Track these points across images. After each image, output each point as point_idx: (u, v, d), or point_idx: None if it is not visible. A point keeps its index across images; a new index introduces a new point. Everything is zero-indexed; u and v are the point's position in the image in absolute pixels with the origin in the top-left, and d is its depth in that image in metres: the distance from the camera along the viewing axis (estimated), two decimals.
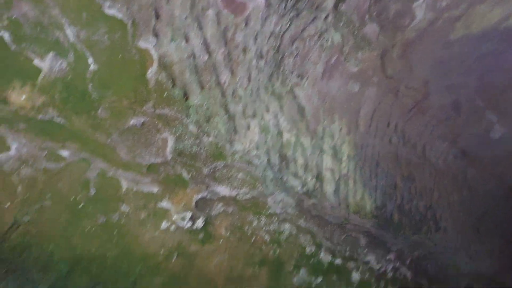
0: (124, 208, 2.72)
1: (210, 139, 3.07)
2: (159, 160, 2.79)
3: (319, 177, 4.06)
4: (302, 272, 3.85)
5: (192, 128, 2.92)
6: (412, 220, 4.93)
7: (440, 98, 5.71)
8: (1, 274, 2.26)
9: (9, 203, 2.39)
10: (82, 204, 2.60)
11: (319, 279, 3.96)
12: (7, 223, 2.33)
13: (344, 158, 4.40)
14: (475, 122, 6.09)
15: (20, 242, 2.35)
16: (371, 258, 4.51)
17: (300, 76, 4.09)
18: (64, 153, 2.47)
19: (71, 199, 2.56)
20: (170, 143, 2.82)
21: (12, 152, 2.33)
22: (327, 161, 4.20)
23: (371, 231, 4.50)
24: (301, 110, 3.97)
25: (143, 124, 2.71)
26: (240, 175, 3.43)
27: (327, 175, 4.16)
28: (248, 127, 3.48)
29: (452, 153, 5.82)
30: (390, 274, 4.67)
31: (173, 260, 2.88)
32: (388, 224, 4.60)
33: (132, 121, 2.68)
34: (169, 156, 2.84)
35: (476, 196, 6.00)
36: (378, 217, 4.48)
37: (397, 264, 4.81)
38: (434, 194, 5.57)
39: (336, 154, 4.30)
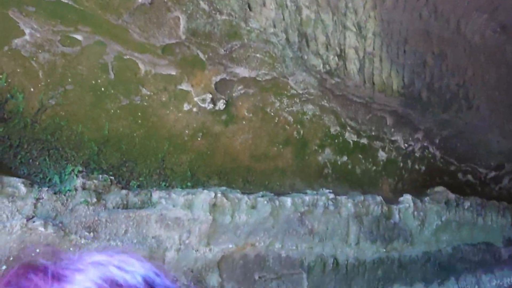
0: (145, 91, 2.76)
1: (223, 17, 2.96)
2: (173, 40, 2.74)
3: (342, 56, 3.92)
4: (327, 151, 3.92)
5: (203, 5, 2.81)
6: (442, 99, 4.78)
7: None
8: (38, 152, 2.43)
9: (33, 88, 2.48)
10: (103, 87, 2.65)
11: (345, 158, 4.03)
12: (35, 106, 2.43)
13: (369, 35, 4.17)
14: None
15: (51, 124, 2.46)
16: (398, 137, 4.50)
17: None
18: (78, 36, 2.46)
19: (92, 83, 2.61)
20: (182, 22, 2.74)
21: (27, 37, 2.35)
22: (351, 39, 4.01)
23: (398, 110, 4.41)
24: None
25: (152, 2, 2.63)
26: (259, 55, 3.34)
27: (350, 53, 4.00)
28: (264, 3, 3.30)
29: (490, 28, 5.40)
30: (418, 153, 4.68)
31: (198, 139, 2.97)
32: (416, 102, 4.48)
33: (141, 0, 2.60)
34: (183, 36, 2.77)
35: None
36: (405, 95, 4.36)
37: (425, 143, 4.78)
38: (468, 71, 5.29)
39: (360, 31, 4.09)
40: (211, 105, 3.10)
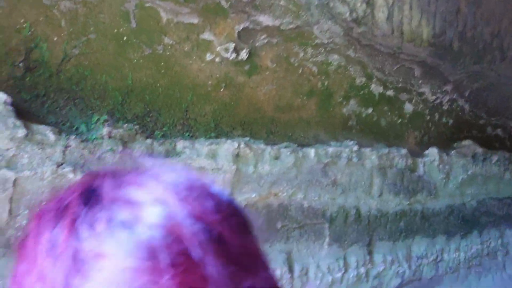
0: (168, 40, 2.72)
1: None
2: None
3: (369, 2, 3.73)
4: (352, 102, 3.83)
5: None
6: (474, 49, 4.55)
7: None
8: (64, 101, 2.47)
9: (56, 37, 2.47)
10: (125, 36, 2.62)
11: (370, 110, 3.95)
12: (59, 56, 2.43)
13: None
14: None
15: (75, 73, 2.48)
16: (425, 89, 4.35)
17: None
18: None
19: (115, 32, 2.58)
20: None
21: None
22: None
23: (427, 61, 4.23)
24: None
25: None
26: (282, 2, 3.21)
27: (379, 0, 3.82)
28: None
29: None
30: (446, 106, 4.54)
31: (222, 90, 2.94)
32: (447, 52, 4.28)
33: None
34: None
35: None
36: (435, 45, 4.17)
37: (454, 95, 4.62)
38: (504, 21, 4.99)
39: None
40: (234, 55, 3.04)
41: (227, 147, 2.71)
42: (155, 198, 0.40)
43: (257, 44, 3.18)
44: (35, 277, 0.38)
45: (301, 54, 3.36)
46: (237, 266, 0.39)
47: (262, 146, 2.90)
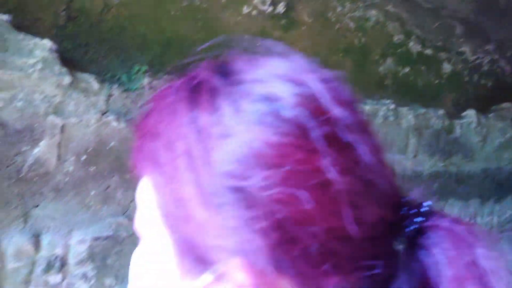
0: None
1: None
2: None
3: None
4: (389, 61, 3.72)
5: None
6: None
7: None
8: (105, 51, 2.49)
9: None
10: None
11: (407, 69, 3.83)
12: (100, 5, 2.44)
13: None
14: None
15: (115, 23, 2.48)
16: (466, 48, 4.17)
17: None
18: None
19: None
20: None
21: None
22: None
23: (470, 18, 4.04)
24: None
25: None
26: None
27: None
28: None
29: None
30: (486, 67, 4.36)
31: (257, 45, 2.93)
32: (492, 9, 4.07)
33: None
34: None
35: None
36: (480, 0, 3.97)
37: (496, 56, 4.42)
38: None
39: None
40: (271, 8, 2.97)
41: None
42: (295, 79, 0.39)
43: None
44: (165, 148, 0.37)
45: (339, 9, 3.25)
46: (378, 156, 0.40)
47: None
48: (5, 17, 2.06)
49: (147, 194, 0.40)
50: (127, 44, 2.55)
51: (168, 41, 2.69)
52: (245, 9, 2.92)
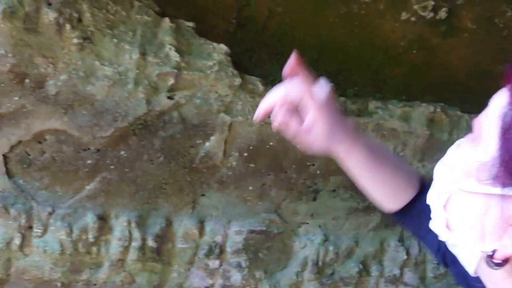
0: None
1: None
2: None
3: None
4: None
5: None
6: None
7: None
8: (267, 56, 2.66)
9: None
10: None
11: None
12: (265, 13, 2.62)
13: None
14: None
15: (277, 30, 2.63)
16: None
17: None
18: None
19: None
20: None
21: None
22: None
23: None
24: None
25: None
26: None
27: None
28: None
29: None
30: None
31: (413, 52, 2.80)
32: None
33: None
34: None
35: None
36: None
37: None
38: None
39: None
40: (431, 14, 2.83)
41: (422, 110, 2.57)
42: None
43: (458, 2, 2.90)
44: None
45: (509, 13, 2.96)
46: None
47: (458, 113, 2.67)
48: (190, 24, 2.31)
49: (500, 103, 0.45)
50: (286, 49, 2.66)
51: (324, 47, 2.74)
52: (404, 15, 2.83)
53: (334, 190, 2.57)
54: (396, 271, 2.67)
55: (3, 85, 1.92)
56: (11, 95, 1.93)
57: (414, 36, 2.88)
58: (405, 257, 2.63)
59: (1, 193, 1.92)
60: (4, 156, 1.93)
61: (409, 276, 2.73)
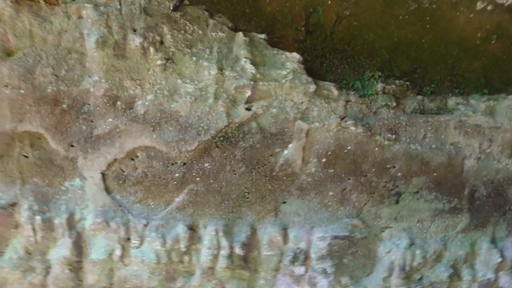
0: None
1: None
2: None
3: None
4: None
5: None
6: None
7: None
8: (338, 61, 2.65)
9: (330, 0, 2.65)
10: None
11: None
12: (332, 18, 2.62)
13: None
14: None
15: (346, 34, 2.62)
16: None
17: None
18: None
19: None
20: None
21: None
22: None
23: None
24: None
25: None
26: None
27: None
28: None
29: None
30: None
31: (492, 43, 2.65)
32: None
33: None
34: None
35: None
36: None
37: None
38: None
39: None
40: (510, 1, 2.68)
41: (508, 103, 2.43)
42: None
43: None
44: None
45: None
46: None
47: None
48: (262, 36, 2.37)
49: None
50: (356, 52, 2.65)
51: (396, 46, 2.69)
52: (479, 5, 2.71)
53: (417, 192, 2.49)
54: (490, 275, 2.52)
55: (98, 108, 2.09)
56: (106, 117, 2.09)
57: (492, 26, 2.73)
58: (499, 259, 2.48)
59: (102, 208, 2.09)
60: (102, 174, 2.10)
61: (505, 280, 2.56)
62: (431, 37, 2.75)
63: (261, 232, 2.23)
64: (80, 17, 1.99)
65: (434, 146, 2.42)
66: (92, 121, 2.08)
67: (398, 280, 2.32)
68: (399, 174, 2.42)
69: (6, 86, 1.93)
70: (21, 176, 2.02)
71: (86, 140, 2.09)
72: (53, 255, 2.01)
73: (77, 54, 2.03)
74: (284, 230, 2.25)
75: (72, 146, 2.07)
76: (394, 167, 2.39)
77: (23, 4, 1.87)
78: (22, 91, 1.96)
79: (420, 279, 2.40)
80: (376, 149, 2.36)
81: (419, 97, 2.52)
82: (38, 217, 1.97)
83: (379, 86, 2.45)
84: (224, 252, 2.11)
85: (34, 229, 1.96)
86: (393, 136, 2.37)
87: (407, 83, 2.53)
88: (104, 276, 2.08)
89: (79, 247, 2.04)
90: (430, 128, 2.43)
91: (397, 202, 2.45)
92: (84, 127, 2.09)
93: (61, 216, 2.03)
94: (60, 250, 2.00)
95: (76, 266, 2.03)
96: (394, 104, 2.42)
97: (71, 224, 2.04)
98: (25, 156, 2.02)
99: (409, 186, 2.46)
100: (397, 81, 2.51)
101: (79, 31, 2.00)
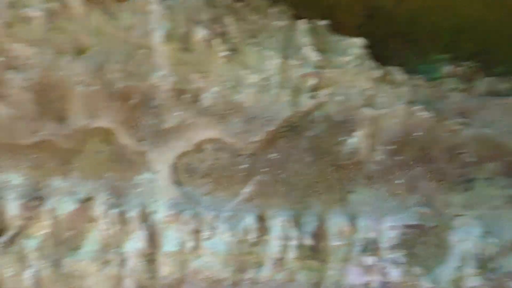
0: None
1: None
2: None
3: None
4: None
5: None
6: None
7: None
8: (400, 45, 2.58)
9: None
10: None
11: None
12: (392, 0, 2.55)
13: None
14: None
15: (407, 16, 2.52)
16: None
17: None
18: None
19: None
20: None
21: None
22: None
23: None
24: None
25: None
26: None
27: None
28: None
29: None
30: None
31: None
32: None
33: None
34: None
35: None
36: None
37: None
38: None
39: None
40: None
41: None
42: None
43: None
44: None
45: None
46: None
47: None
48: (323, 22, 2.32)
49: None
50: (419, 35, 2.55)
51: (460, 26, 2.57)
52: None
53: (489, 178, 2.38)
54: None
55: (166, 102, 2.10)
56: (173, 111, 2.11)
57: None
58: None
59: (172, 201, 2.11)
60: (172, 167, 2.12)
61: None
62: (499, 16, 2.62)
63: (329, 222, 2.20)
64: (146, 12, 2.00)
65: (506, 130, 2.31)
66: (161, 115, 2.10)
67: (472, 269, 2.23)
68: (470, 159, 2.32)
69: (79, 84, 1.96)
70: (95, 172, 2.07)
71: (155, 134, 2.11)
72: (128, 247, 2.05)
73: (144, 49, 2.05)
74: (353, 220, 2.21)
75: (142, 140, 2.10)
76: (464, 152, 2.30)
77: (93, 2, 1.90)
78: (93, 88, 1.99)
79: (496, 268, 2.30)
80: (446, 134, 2.28)
81: (489, 78, 2.41)
82: (113, 211, 2.00)
83: (446, 69, 2.36)
84: (293, 242, 2.09)
85: (109, 223, 2.00)
86: (464, 120, 2.28)
87: (476, 64, 2.42)
88: (177, 267, 2.10)
89: (152, 239, 2.07)
90: (502, 111, 2.32)
91: (468, 189, 2.35)
92: (153, 121, 2.11)
93: (134, 209, 2.06)
94: (135, 243, 2.03)
95: (150, 258, 2.06)
96: (463, 87, 2.32)
97: (144, 217, 2.07)
98: (98, 151, 2.06)
99: (481, 172, 2.36)
100: (464, 63, 2.40)
101: (146, 26, 2.02)
